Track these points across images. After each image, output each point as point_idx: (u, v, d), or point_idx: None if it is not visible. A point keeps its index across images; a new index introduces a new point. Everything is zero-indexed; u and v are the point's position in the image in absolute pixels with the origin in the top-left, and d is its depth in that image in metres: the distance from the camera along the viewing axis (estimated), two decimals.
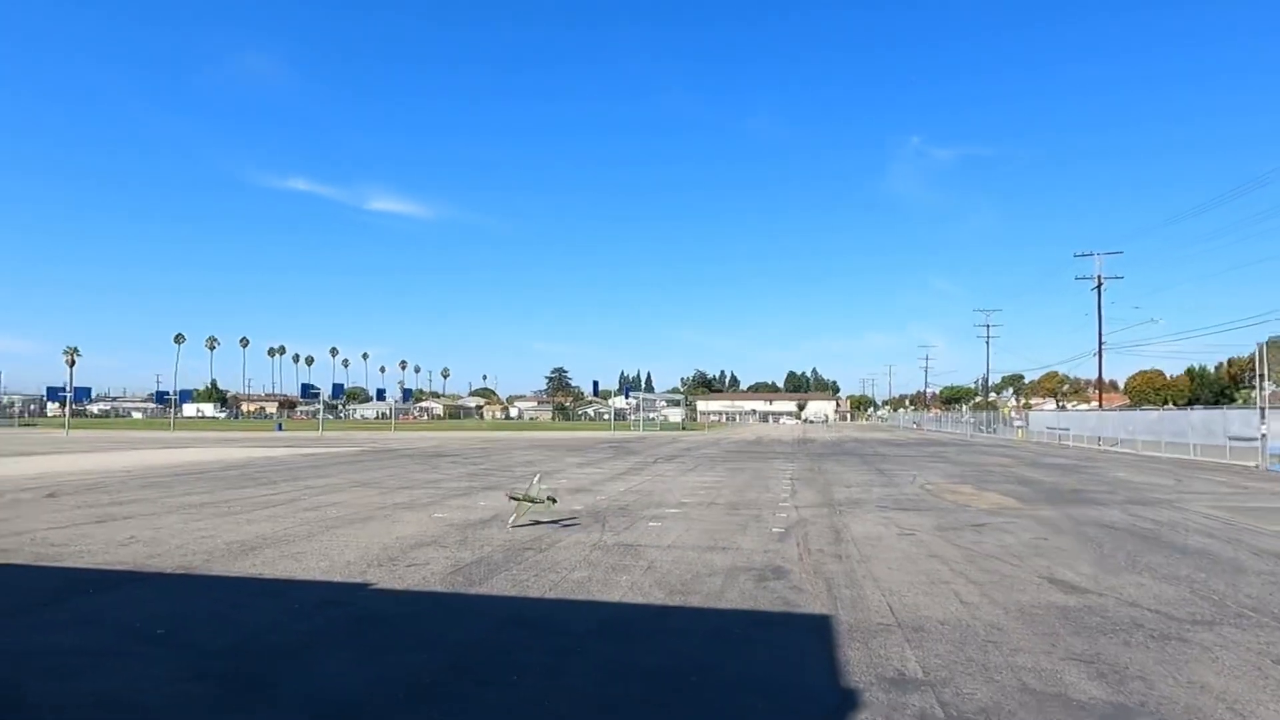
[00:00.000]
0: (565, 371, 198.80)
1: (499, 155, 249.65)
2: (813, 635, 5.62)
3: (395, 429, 65.06)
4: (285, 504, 13.06)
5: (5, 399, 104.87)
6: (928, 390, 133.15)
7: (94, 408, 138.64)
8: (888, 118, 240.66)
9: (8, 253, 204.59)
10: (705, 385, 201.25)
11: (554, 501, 11.40)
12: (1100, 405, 51.65)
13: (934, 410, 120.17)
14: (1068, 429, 44.07)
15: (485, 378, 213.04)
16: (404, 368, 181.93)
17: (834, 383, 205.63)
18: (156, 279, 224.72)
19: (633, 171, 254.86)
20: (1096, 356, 53.93)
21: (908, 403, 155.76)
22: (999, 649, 5.24)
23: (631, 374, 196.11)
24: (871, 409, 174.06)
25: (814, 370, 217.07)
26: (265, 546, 8.91)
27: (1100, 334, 53.70)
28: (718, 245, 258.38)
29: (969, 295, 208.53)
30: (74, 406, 72.61)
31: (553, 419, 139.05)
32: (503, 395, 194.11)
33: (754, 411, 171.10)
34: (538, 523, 10.87)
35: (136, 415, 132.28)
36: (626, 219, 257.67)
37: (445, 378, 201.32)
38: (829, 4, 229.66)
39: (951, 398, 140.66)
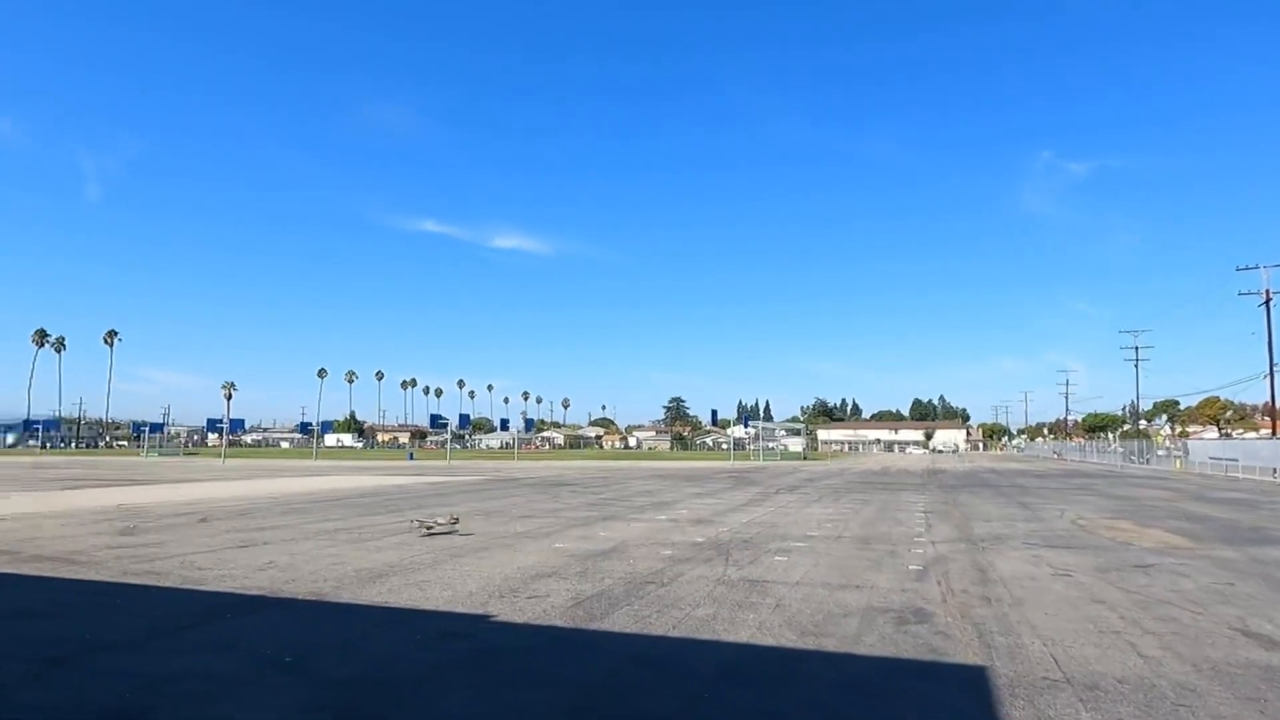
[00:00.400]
0: (683, 401, 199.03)
1: (617, 190, 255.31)
2: (967, 690, 5.03)
3: (518, 458, 66.63)
4: (412, 531, 13.32)
5: (173, 430, 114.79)
6: (1068, 418, 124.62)
7: (248, 438, 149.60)
8: (1014, 134, 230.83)
9: (176, 294, 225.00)
10: (826, 414, 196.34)
11: (456, 521, 13.46)
12: (1275, 433, 46.57)
13: (1076, 439, 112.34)
14: (1236, 459, 39.97)
15: (604, 408, 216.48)
16: (526, 398, 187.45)
17: (963, 410, 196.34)
18: (303, 316, 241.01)
19: (749, 202, 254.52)
20: (1267, 379, 48.87)
21: (1046, 431, 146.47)
22: (1195, 716, 4.50)
23: (750, 403, 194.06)
24: (1005, 438, 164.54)
25: (941, 397, 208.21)
26: (391, 574, 9.02)
27: (1271, 354, 48.66)
28: (837, 272, 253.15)
29: (1111, 316, 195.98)
30: (230, 437, 78.69)
31: (671, 449, 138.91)
32: (621, 425, 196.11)
33: (878, 441, 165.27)
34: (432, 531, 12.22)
35: (285, 444, 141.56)
36: (744, 249, 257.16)
37: (566, 408, 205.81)
38: (943, 24, 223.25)
39: (1095, 426, 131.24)
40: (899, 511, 17.98)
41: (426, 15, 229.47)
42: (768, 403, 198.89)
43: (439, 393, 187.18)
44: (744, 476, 36.79)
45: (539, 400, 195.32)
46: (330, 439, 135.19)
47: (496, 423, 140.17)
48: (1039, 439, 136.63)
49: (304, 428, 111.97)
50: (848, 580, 8.86)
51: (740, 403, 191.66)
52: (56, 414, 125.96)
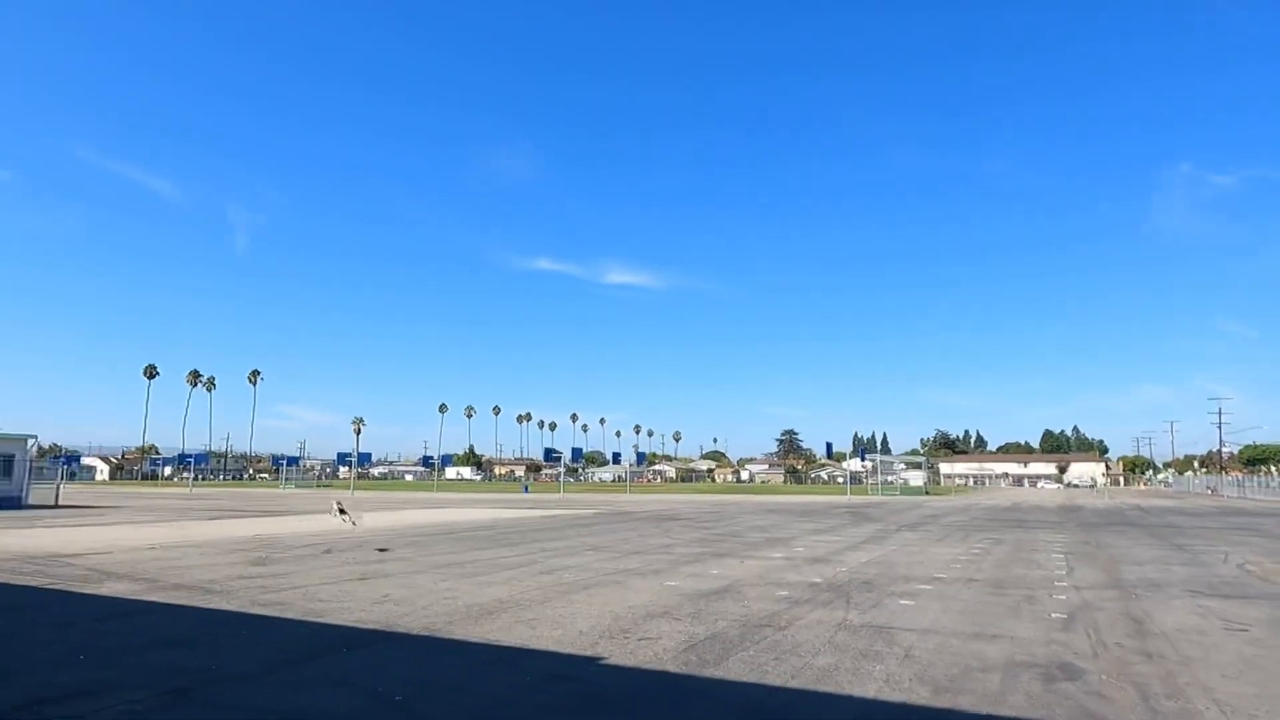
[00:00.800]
0: (796, 434, 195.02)
1: (728, 222, 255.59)
2: None
3: (630, 491, 66.74)
4: (523, 566, 13.34)
5: (308, 464, 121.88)
6: (1223, 449, 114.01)
7: (375, 470, 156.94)
8: (1149, 148, 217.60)
9: (312, 334, 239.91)
10: (948, 446, 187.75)
11: (354, 524, 13.79)
12: None
13: (1232, 473, 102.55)
14: None
15: (716, 440, 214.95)
16: (638, 432, 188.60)
17: (1099, 442, 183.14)
18: (426, 353, 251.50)
19: (865, 231, 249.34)
20: None
21: (1196, 465, 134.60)
22: None
23: (866, 435, 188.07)
24: (1149, 472, 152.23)
25: (1075, 429, 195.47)
26: (502, 610, 8.96)
27: None
28: (958, 300, 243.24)
29: (1268, 337, 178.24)
30: (358, 470, 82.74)
31: (784, 482, 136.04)
32: (733, 458, 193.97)
33: (1005, 475, 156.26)
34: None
35: (409, 477, 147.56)
36: (861, 279, 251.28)
37: (677, 441, 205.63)
38: (1064, 40, 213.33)
39: (1255, 458, 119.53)
40: (1035, 552, 16.69)
41: (535, 51, 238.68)
42: (885, 435, 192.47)
43: (553, 426, 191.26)
44: (862, 512, 35.36)
45: (650, 433, 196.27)
46: (450, 472, 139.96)
47: (609, 456, 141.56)
48: (1188, 473, 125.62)
49: (426, 461, 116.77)
50: (983, 629, 8.14)
51: (856, 435, 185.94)
52: (208, 448, 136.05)
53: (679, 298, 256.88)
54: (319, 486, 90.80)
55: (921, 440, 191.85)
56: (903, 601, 9.89)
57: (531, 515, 30.87)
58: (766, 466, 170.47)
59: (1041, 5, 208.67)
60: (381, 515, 29.96)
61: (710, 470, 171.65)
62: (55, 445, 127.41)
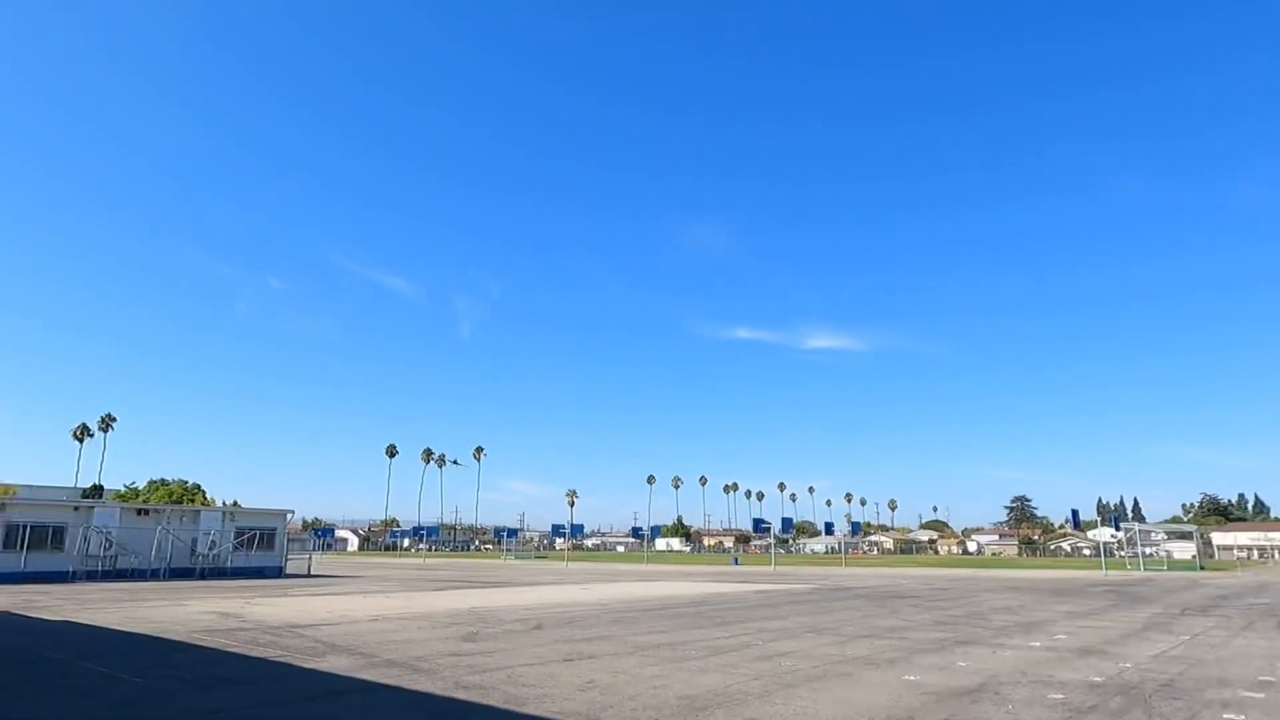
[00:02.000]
0: (1027, 500, 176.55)
1: (934, 275, 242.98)
2: None
3: (845, 564, 62.89)
4: (738, 650, 12.15)
5: (526, 535, 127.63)
6: None
7: (588, 542, 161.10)
8: None
9: (529, 406, 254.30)
10: (1218, 512, 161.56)
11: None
12: None
13: None
14: None
15: (935, 509, 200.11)
16: (849, 500, 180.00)
17: None
18: (633, 424, 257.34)
19: (1088, 272, 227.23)
20: None
21: None
22: None
23: (1112, 500, 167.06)
24: None
25: None
26: (716, 705, 7.87)
27: None
28: (1215, 339, 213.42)
29: None
30: (572, 541, 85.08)
31: (1018, 555, 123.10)
32: (956, 527, 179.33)
33: None
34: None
35: (620, 549, 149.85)
36: (1092, 327, 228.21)
37: (892, 510, 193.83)
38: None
39: None
40: None
41: (720, 112, 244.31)
42: (1135, 500, 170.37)
43: (760, 496, 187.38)
44: (1126, 591, 30.43)
45: (863, 502, 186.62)
46: (660, 543, 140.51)
47: (820, 526, 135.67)
48: None
49: (636, 532, 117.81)
50: None
51: (1100, 501, 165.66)
52: (439, 521, 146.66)
53: (884, 358, 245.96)
54: (536, 557, 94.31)
55: (1183, 506, 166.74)
56: (1228, 716, 7.64)
57: (743, 590, 29.40)
58: (996, 537, 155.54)
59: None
60: (591, 588, 29.81)
61: (931, 541, 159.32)
62: (317, 519, 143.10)
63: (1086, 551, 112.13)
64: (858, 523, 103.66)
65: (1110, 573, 51.95)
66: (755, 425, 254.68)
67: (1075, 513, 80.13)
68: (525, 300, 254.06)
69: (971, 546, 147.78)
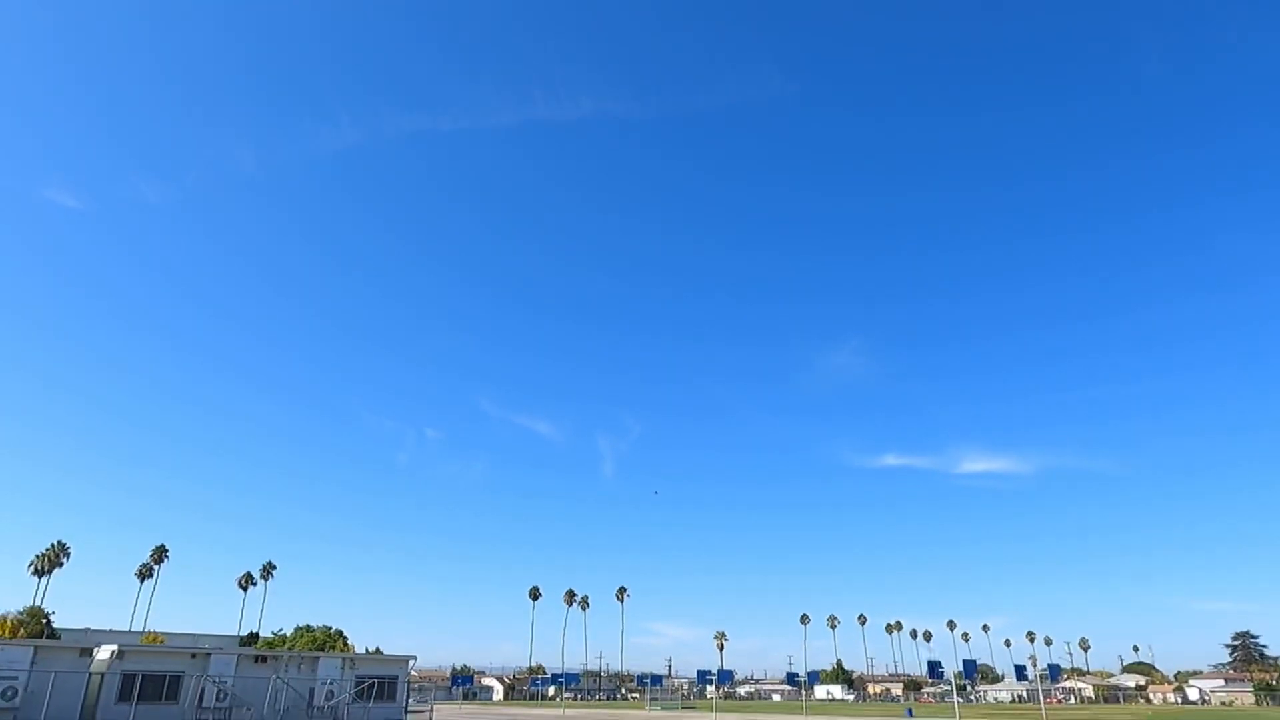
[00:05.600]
0: (1253, 636, 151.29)
1: (1102, 386, 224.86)
2: None
3: (1047, 717, 53.83)
4: None
5: (673, 682, 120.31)
6: None
7: (741, 689, 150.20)
8: None
9: (675, 548, 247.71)
10: None
11: None
12: None
13: None
14: None
15: (1136, 649, 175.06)
16: (1031, 639, 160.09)
17: None
18: (784, 562, 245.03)
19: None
20: None
21: None
22: None
23: None
24: None
25: None
26: None
27: None
28: None
29: None
30: (723, 689, 78.43)
31: (1258, 703, 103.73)
32: (1167, 670, 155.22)
33: None
34: None
35: (775, 697, 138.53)
36: None
37: (1085, 650, 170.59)
38: None
39: None
40: None
41: (852, 246, 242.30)
42: None
43: (927, 636, 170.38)
44: None
45: (1048, 641, 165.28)
46: (820, 690, 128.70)
47: (999, 669, 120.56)
48: None
49: (791, 679, 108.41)
50: None
51: None
52: (584, 666, 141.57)
53: (1051, 479, 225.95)
54: (683, 707, 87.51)
55: None
56: None
57: None
58: (1221, 681, 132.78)
59: None
60: None
61: (1140, 687, 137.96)
62: (465, 666, 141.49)
63: None
64: (1055, 665, 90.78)
65: None
66: (911, 558, 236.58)
67: None
68: (666, 434, 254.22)
69: (1192, 694, 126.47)
